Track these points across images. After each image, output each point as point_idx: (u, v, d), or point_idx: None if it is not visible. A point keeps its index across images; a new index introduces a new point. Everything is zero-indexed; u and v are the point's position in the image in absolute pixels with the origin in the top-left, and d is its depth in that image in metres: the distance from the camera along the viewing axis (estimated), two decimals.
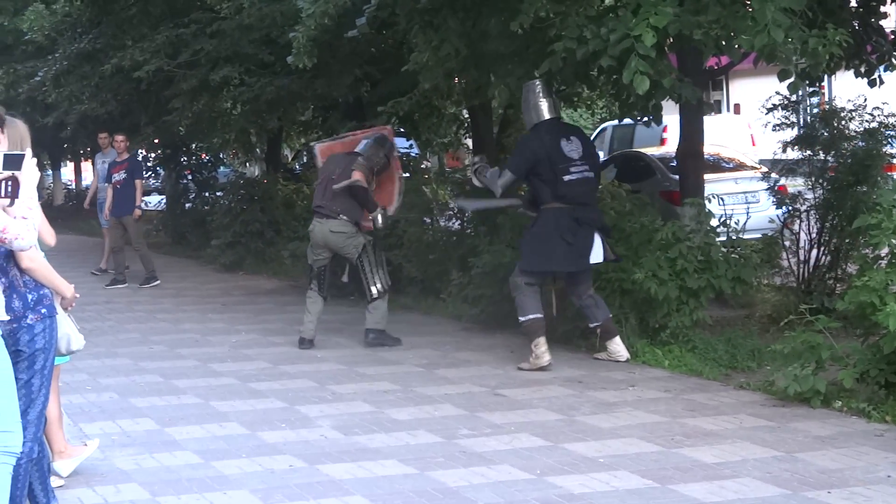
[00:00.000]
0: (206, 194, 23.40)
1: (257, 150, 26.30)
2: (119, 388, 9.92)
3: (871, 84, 12.26)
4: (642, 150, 18.68)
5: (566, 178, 10.18)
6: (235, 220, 18.88)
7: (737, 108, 33.86)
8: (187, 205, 23.86)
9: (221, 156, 25.69)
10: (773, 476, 6.84)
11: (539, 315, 10.23)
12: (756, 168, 16.25)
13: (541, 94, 10.43)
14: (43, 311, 5.78)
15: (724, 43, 9.67)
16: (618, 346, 10.32)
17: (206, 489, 6.94)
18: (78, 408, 9.10)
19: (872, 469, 6.95)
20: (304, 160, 25.15)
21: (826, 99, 14.08)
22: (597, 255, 10.23)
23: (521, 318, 10.30)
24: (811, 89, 13.10)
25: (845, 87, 13.07)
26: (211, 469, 7.35)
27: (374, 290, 11.43)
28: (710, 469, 7.03)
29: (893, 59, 12.50)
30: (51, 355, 5.83)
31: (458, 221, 14.58)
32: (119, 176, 16.99)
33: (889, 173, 12.12)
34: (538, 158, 10.23)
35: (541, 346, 10.09)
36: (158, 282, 16.92)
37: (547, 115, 10.40)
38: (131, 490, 6.99)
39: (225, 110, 19.65)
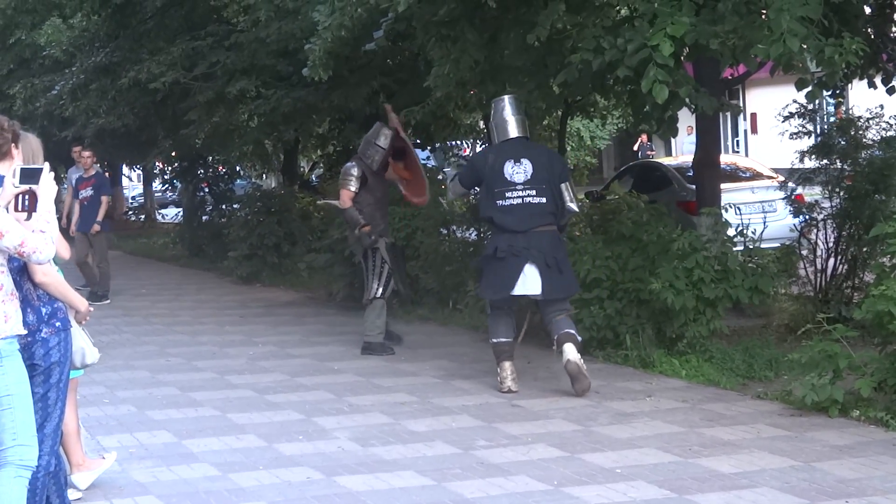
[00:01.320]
0: (223, 206, 23.40)
1: (274, 162, 26.34)
2: (136, 400, 9.93)
3: (890, 92, 12.23)
4: (659, 161, 18.72)
5: (499, 202, 9.72)
6: (252, 232, 18.86)
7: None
8: (204, 217, 23.85)
9: (238, 168, 25.71)
10: (791, 486, 6.82)
11: (504, 339, 9.85)
12: (773, 177, 16.24)
13: (505, 113, 10.03)
14: (57, 324, 5.79)
15: (740, 52, 9.66)
16: (566, 353, 9.45)
17: (223, 501, 6.96)
18: (95, 420, 9.12)
19: (891, 478, 6.93)
20: (321, 171, 25.20)
21: (843, 108, 14.04)
22: (530, 286, 9.60)
23: (490, 340, 10.06)
24: (830, 97, 13.09)
25: (863, 96, 13.06)
26: (228, 481, 7.36)
27: (366, 293, 11.72)
28: (727, 479, 7.02)
29: None
30: (66, 369, 5.84)
31: (475, 232, 14.58)
32: (86, 192, 16.91)
33: None
34: (480, 177, 9.97)
35: (504, 371, 9.78)
36: (108, 301, 16.69)
37: (512, 134, 9.99)
38: (149, 503, 7.01)
39: (241, 123, 19.70)
